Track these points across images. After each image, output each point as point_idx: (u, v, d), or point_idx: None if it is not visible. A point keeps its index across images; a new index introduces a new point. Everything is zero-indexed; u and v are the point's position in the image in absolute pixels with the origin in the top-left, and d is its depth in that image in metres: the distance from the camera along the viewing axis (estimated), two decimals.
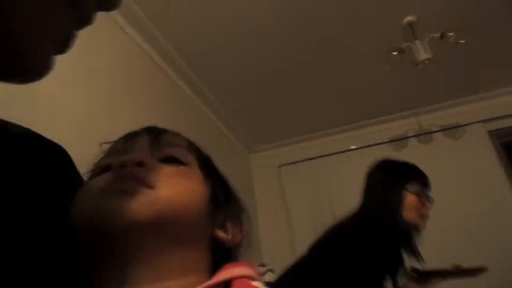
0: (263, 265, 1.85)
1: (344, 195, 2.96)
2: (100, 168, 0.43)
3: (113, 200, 0.38)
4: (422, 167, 2.82)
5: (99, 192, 0.39)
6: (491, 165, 2.73)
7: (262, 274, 1.73)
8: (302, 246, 2.85)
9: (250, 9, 1.93)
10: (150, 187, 0.39)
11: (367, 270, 1.26)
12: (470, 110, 2.91)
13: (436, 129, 2.92)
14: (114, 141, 0.49)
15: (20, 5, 0.24)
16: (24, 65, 0.26)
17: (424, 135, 2.94)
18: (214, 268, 0.42)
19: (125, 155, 0.43)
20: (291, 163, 3.20)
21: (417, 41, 2.00)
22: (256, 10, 1.94)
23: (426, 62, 1.98)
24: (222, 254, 0.45)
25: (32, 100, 1.13)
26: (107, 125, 1.48)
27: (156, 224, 0.39)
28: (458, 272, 1.49)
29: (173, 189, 0.41)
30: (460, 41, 1.92)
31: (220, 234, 0.46)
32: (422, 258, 1.43)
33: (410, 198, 1.37)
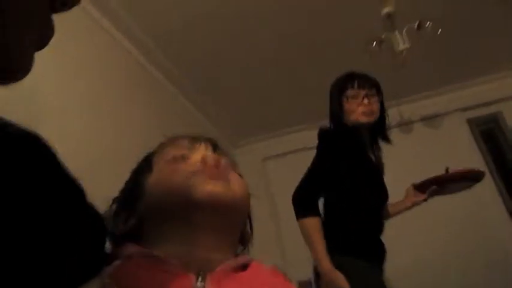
0: None
1: None
2: (178, 156, 0.58)
3: (207, 182, 0.53)
4: (403, 158, 2.88)
5: (194, 174, 0.54)
6: (471, 153, 2.79)
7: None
8: (289, 240, 2.90)
9: (232, 4, 1.91)
10: (228, 180, 0.56)
11: None
12: (448, 99, 2.96)
13: (417, 118, 2.96)
14: (176, 137, 0.64)
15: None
16: (6, 65, 0.26)
17: (405, 125, 2.98)
18: None
19: (205, 153, 0.58)
20: (275, 156, 3.21)
21: (396, 32, 2.02)
22: (237, 5, 1.93)
23: (404, 52, 2.00)
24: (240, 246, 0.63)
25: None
26: (87, 120, 1.45)
27: (233, 207, 0.54)
28: (453, 175, 1.73)
29: (240, 187, 0.58)
30: (438, 31, 1.94)
31: (246, 231, 0.64)
32: (389, 140, 1.82)
33: (347, 103, 1.60)
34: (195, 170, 0.54)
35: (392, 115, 3.02)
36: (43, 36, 0.29)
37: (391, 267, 2.58)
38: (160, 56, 2.14)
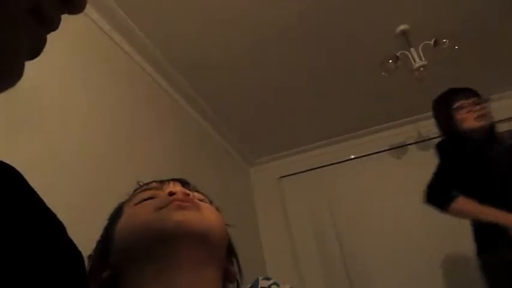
0: (268, 278, 1.83)
1: (345, 204, 2.96)
2: (144, 198, 0.57)
3: (176, 212, 0.51)
4: (421, 174, 2.84)
5: (159, 207, 0.52)
6: None
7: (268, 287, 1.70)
8: (305, 258, 2.86)
9: (250, 23, 1.94)
10: (199, 209, 0.54)
11: None
12: None
13: (435, 135, 2.92)
14: (146, 183, 0.63)
15: None
16: None
17: (423, 142, 2.94)
18: None
19: (175, 189, 0.57)
20: (291, 175, 3.19)
21: (412, 49, 2.01)
22: (256, 24, 1.96)
23: (421, 69, 1.99)
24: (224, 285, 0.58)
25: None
26: (109, 145, 1.47)
27: (205, 238, 0.51)
28: None
29: (213, 215, 0.55)
30: (455, 47, 1.93)
31: (230, 267, 0.60)
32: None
33: (458, 114, 1.74)
34: (162, 204, 0.52)
35: (410, 132, 3.01)
36: (33, 45, 0.30)
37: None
38: (179, 77, 2.18)
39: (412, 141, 2.98)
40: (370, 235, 2.81)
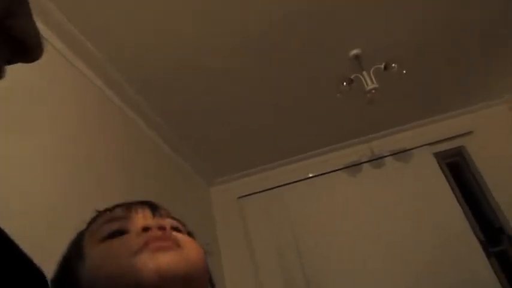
0: None
1: (305, 223, 3.00)
2: (111, 233, 0.48)
3: (156, 257, 0.44)
4: (377, 191, 2.96)
5: (136, 251, 0.44)
6: (439, 184, 2.89)
7: None
8: (266, 278, 2.85)
9: (208, 41, 1.96)
10: (180, 246, 0.47)
11: None
12: (416, 134, 3.10)
13: (387, 154, 3.07)
14: (108, 209, 0.54)
15: None
16: None
17: (376, 160, 3.07)
18: None
19: (141, 221, 0.49)
20: (250, 194, 3.20)
21: (364, 72, 2.13)
22: (213, 42, 1.98)
23: (373, 91, 2.10)
24: None
25: None
26: (58, 162, 1.42)
27: (189, 280, 0.45)
28: None
29: (194, 251, 0.49)
30: (403, 72, 2.06)
31: None
32: None
33: None
34: (137, 246, 0.45)
35: (364, 151, 3.14)
36: None
37: None
38: (135, 96, 2.15)
39: (366, 160, 3.11)
40: (331, 253, 2.86)
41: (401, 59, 2.16)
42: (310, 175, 3.18)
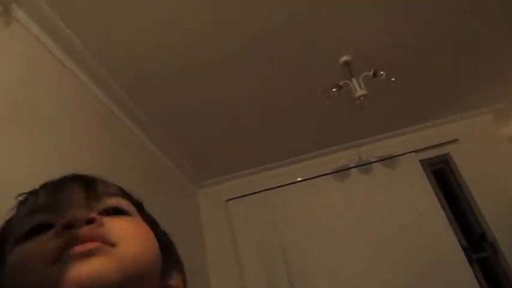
0: None
1: (292, 227, 3.01)
2: (32, 227, 0.39)
3: (78, 265, 0.35)
4: (364, 196, 2.98)
5: (55, 258, 0.36)
6: (424, 191, 2.94)
7: None
8: (251, 282, 2.86)
9: (195, 46, 1.97)
10: (112, 245, 0.38)
11: None
12: (403, 141, 3.14)
13: (374, 159, 3.11)
14: (32, 193, 0.45)
15: None
16: None
17: (364, 165, 3.11)
18: None
19: (67, 212, 0.39)
20: (238, 197, 3.21)
21: (353, 79, 2.15)
22: (200, 46, 1.98)
23: (362, 97, 2.13)
24: None
25: None
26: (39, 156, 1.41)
27: (126, 283, 0.36)
28: None
29: (133, 244, 0.40)
30: (391, 79, 2.09)
31: (172, 283, 0.46)
32: None
33: None
34: (54, 252, 0.36)
35: (352, 156, 3.17)
36: None
37: None
38: (126, 97, 2.14)
39: (354, 165, 3.14)
40: (317, 258, 2.87)
41: (390, 66, 2.19)
42: (299, 179, 3.20)
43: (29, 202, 0.44)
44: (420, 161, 3.07)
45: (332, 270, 2.81)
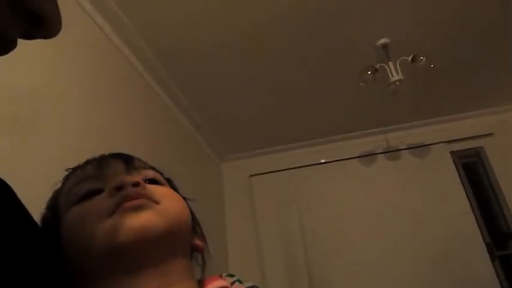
0: (231, 275, 1.84)
1: (313, 207, 3.01)
2: (83, 194, 0.46)
3: (131, 217, 0.41)
4: (389, 183, 2.93)
5: (110, 213, 0.42)
6: (452, 184, 2.86)
7: (231, 284, 1.72)
8: (269, 258, 2.90)
9: (232, 20, 1.95)
10: (157, 202, 0.44)
11: None
12: (435, 131, 3.05)
13: (403, 147, 3.04)
14: (78, 167, 0.51)
15: None
16: None
17: (391, 152, 3.05)
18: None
19: (115, 178, 0.46)
20: (262, 173, 3.22)
21: (390, 62, 2.08)
22: (238, 21, 1.96)
23: (397, 83, 2.06)
24: (195, 260, 0.52)
25: (8, 95, 1.09)
26: (80, 127, 1.44)
27: (170, 234, 0.43)
28: None
29: (173, 203, 0.47)
30: (431, 65, 2.01)
31: (197, 242, 0.52)
32: None
33: None
34: (109, 207, 0.42)
35: (380, 142, 3.11)
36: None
37: None
38: (159, 68, 2.16)
39: (381, 151, 3.09)
40: (335, 240, 2.87)
41: (429, 52, 2.10)
42: (323, 161, 3.17)
43: (77, 173, 0.50)
44: (451, 152, 2.98)
45: (350, 254, 2.80)
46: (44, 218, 0.50)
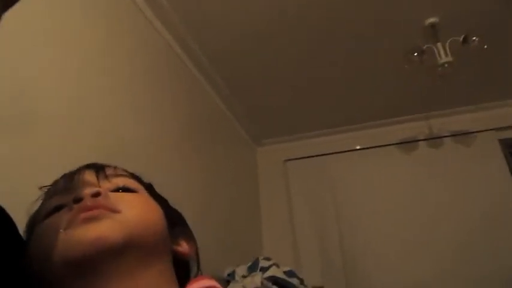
0: (268, 258, 1.84)
1: (348, 194, 2.95)
2: (51, 209, 0.45)
3: (84, 229, 0.40)
4: (430, 171, 2.81)
5: (66, 226, 0.41)
6: (500, 173, 2.71)
7: (267, 268, 1.72)
8: (303, 242, 2.88)
9: (270, 7, 1.90)
10: (116, 211, 0.43)
11: None
12: (482, 117, 2.88)
13: (447, 134, 2.90)
14: (52, 184, 0.51)
15: None
16: None
17: (434, 139, 2.91)
18: (179, 280, 0.47)
19: (78, 190, 0.44)
20: (297, 158, 3.18)
21: (439, 44, 1.97)
22: (276, 6, 1.90)
23: (446, 65, 1.95)
24: (182, 267, 0.50)
25: (56, 86, 1.10)
26: (126, 115, 1.46)
27: (129, 246, 0.41)
28: None
29: (136, 210, 0.45)
30: (484, 47, 1.88)
31: (179, 248, 0.50)
32: None
33: None
34: (69, 220, 0.41)
35: (421, 128, 2.98)
36: None
37: (411, 277, 2.56)
38: (201, 57, 2.15)
39: (423, 138, 2.96)
40: (370, 227, 2.81)
41: (480, 33, 1.96)
42: (358, 147, 3.08)
43: (50, 190, 0.50)
44: (499, 140, 2.81)
45: (386, 242, 2.74)
46: (24, 240, 0.49)
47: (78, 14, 1.28)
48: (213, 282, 0.46)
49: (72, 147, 1.08)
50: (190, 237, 0.53)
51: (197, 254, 0.53)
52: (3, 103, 0.88)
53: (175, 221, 0.52)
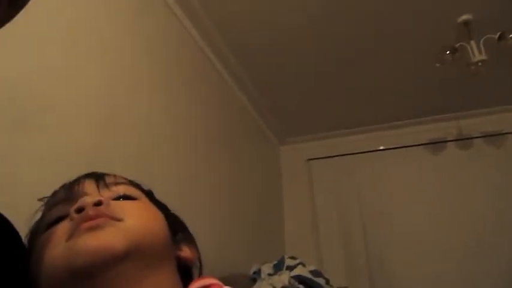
0: (294, 257, 1.83)
1: (372, 194, 2.91)
2: (53, 220, 0.45)
3: (87, 238, 0.40)
4: (458, 174, 2.74)
5: (68, 236, 0.41)
6: None
7: (294, 266, 1.71)
8: (326, 242, 2.85)
9: (297, 5, 1.88)
10: (118, 220, 0.43)
11: None
12: None
13: (477, 135, 2.82)
14: (52, 195, 0.51)
15: None
16: None
17: (463, 140, 2.84)
18: (184, 286, 0.46)
19: (79, 200, 0.44)
20: (320, 158, 3.15)
21: (472, 42, 1.91)
22: (303, 6, 1.89)
23: (480, 64, 1.89)
24: (186, 272, 0.50)
25: (81, 78, 1.12)
26: (162, 116, 1.47)
27: (133, 253, 0.40)
28: None
29: (138, 218, 0.45)
30: None
31: (182, 254, 0.50)
32: None
33: None
34: (71, 230, 0.41)
35: (450, 128, 2.91)
36: None
37: (437, 280, 2.51)
38: (229, 55, 2.15)
39: (452, 139, 2.89)
40: (395, 228, 2.77)
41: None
42: (382, 147, 3.04)
43: (50, 201, 0.50)
44: None
45: (409, 242, 2.69)
46: (26, 253, 0.49)
47: (103, 15, 1.29)
48: (213, 280, 0.46)
49: (107, 148, 1.10)
50: (192, 242, 0.54)
51: (199, 259, 0.53)
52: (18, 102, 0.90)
53: (176, 227, 0.53)
